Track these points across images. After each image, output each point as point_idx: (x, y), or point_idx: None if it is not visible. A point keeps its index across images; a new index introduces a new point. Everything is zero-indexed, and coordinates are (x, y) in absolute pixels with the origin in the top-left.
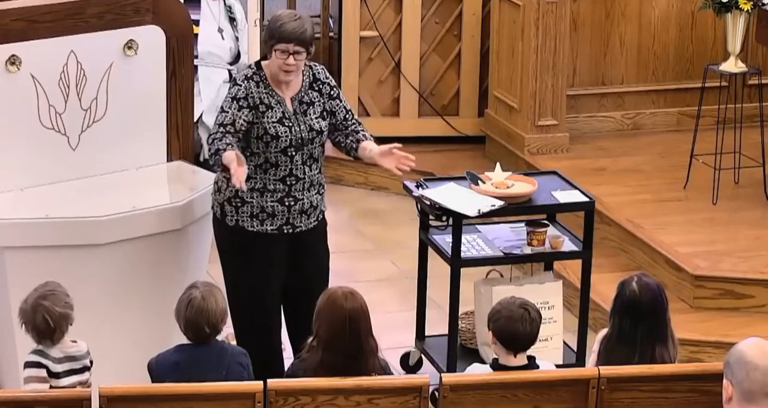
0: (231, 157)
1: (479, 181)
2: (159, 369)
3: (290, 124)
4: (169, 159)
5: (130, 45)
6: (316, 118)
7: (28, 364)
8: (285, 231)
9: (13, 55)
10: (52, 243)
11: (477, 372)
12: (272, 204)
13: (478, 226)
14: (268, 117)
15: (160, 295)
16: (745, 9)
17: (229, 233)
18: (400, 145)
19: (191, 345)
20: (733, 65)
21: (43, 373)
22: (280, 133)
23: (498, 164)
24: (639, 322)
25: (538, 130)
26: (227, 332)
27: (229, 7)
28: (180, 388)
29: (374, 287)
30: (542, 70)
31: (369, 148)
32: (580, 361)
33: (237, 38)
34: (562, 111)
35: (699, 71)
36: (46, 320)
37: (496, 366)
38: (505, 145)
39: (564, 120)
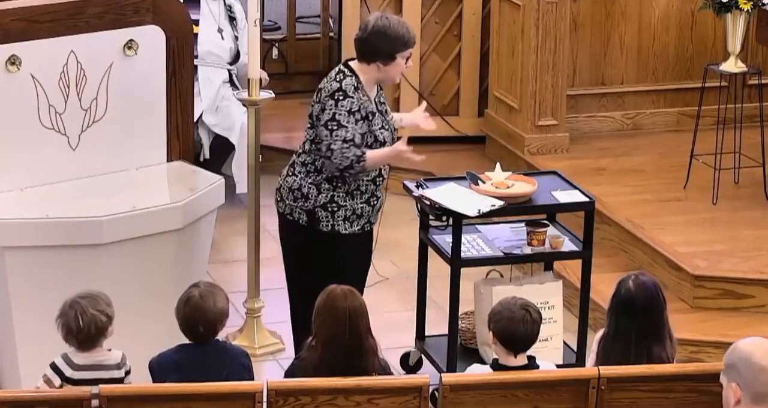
0: (387, 150)
1: (479, 181)
2: (159, 368)
3: (388, 127)
4: (169, 159)
5: (130, 45)
6: (392, 118)
7: (51, 365)
8: (365, 229)
9: (13, 55)
10: (52, 243)
11: (477, 372)
12: (361, 205)
13: (478, 226)
14: (375, 125)
15: (160, 295)
16: (745, 9)
17: (320, 239)
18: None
19: (192, 345)
20: (733, 65)
21: (56, 379)
22: (386, 138)
23: (498, 164)
24: (634, 320)
25: (538, 130)
26: (228, 332)
27: (229, 6)
28: (180, 388)
29: (374, 287)
30: (542, 70)
31: (399, 117)
32: (580, 361)
33: (237, 38)
34: (562, 111)
35: (699, 71)
36: (77, 318)
37: (496, 366)
38: (505, 145)
39: (564, 120)
